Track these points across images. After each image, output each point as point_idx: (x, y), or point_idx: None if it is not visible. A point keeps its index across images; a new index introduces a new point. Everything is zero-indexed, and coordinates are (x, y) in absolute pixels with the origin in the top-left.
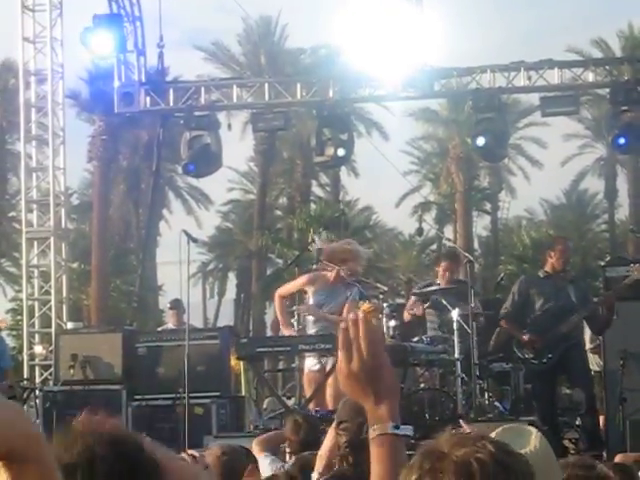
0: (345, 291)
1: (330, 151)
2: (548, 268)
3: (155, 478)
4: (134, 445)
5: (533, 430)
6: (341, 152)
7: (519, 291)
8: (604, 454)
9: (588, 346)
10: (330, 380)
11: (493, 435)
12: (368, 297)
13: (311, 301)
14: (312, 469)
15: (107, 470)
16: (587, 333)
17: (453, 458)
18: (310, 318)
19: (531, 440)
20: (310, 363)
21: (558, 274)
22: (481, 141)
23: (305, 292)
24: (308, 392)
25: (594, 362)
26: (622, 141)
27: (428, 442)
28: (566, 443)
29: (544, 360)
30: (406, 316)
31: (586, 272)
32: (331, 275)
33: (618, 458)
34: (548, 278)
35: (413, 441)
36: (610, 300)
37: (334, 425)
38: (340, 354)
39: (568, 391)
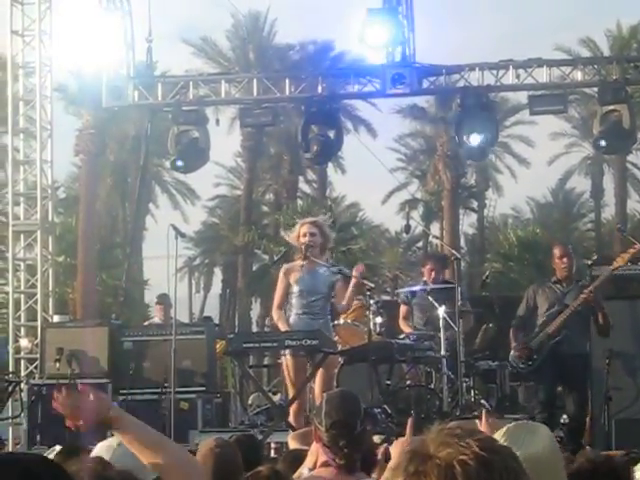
0: (322, 270)
1: (317, 147)
2: (558, 275)
3: None
4: None
5: (544, 427)
6: (322, 148)
7: (527, 298)
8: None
9: None
10: (319, 374)
11: (504, 430)
12: (346, 273)
13: (295, 290)
14: (299, 464)
15: None
16: None
17: (436, 461)
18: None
19: (541, 439)
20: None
21: (565, 281)
22: (475, 139)
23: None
24: (288, 379)
25: None
26: (603, 143)
27: (415, 440)
28: None
29: (530, 362)
30: (404, 326)
31: None
32: (299, 256)
33: None
34: (557, 283)
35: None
36: (589, 299)
37: (321, 422)
38: None
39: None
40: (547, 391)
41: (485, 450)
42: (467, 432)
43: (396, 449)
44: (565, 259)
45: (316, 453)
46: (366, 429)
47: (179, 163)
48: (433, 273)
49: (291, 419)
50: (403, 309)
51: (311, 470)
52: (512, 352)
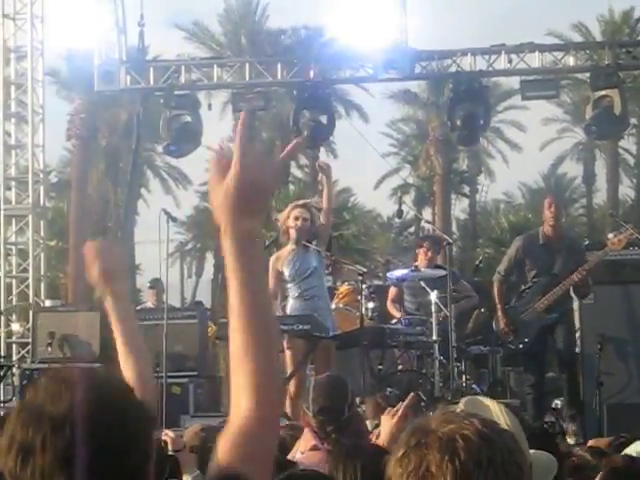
0: (312, 250)
1: (309, 132)
2: (545, 231)
3: (145, 426)
4: (123, 396)
5: (490, 401)
6: (314, 133)
7: (516, 256)
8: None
9: None
10: (317, 359)
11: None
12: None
13: (287, 275)
14: (284, 450)
15: (96, 423)
16: None
17: (439, 434)
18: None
19: (496, 415)
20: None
21: (554, 240)
22: (466, 124)
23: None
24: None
25: None
26: (594, 128)
27: (418, 419)
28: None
29: (520, 345)
30: (392, 309)
31: None
32: (285, 237)
33: (591, 443)
34: (545, 246)
35: None
36: (582, 280)
37: (311, 408)
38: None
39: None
40: (537, 375)
41: (487, 428)
42: (469, 413)
43: (386, 423)
44: (553, 208)
45: (310, 437)
46: (355, 414)
47: (173, 149)
48: (430, 253)
49: (287, 405)
50: (392, 291)
51: (303, 454)
52: (498, 324)
